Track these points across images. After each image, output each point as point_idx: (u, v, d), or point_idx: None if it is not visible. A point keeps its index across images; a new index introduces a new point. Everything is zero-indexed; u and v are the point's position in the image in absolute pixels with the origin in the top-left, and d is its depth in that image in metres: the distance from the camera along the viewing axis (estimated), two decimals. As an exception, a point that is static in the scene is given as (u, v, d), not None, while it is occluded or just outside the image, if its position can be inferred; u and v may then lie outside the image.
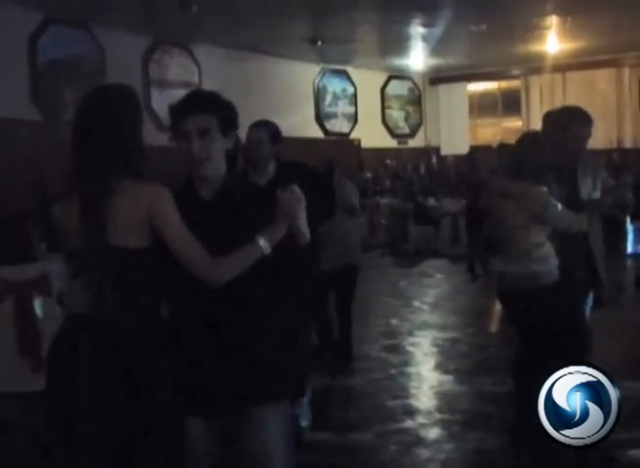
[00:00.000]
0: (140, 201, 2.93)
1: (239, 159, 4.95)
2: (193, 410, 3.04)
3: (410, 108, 23.70)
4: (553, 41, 17.41)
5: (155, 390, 2.91)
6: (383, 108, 23.00)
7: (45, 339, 7.04)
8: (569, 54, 18.77)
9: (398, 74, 22.79)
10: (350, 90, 21.79)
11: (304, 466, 5.20)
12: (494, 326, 9.29)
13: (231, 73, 16.67)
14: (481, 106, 23.78)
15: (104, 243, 2.91)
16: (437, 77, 23.21)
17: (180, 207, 2.97)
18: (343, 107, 21.65)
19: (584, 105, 5.36)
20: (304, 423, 5.71)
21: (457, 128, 23.08)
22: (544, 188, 4.71)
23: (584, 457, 4.44)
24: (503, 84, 23.35)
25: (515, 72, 22.15)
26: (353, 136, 21.76)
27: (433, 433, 5.77)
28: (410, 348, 8.38)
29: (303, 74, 20.16)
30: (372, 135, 21.88)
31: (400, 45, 18.23)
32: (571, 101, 18.18)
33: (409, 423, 5.98)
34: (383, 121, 23.00)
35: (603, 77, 20.81)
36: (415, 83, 23.60)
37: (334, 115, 21.40)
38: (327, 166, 7.72)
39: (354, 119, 21.93)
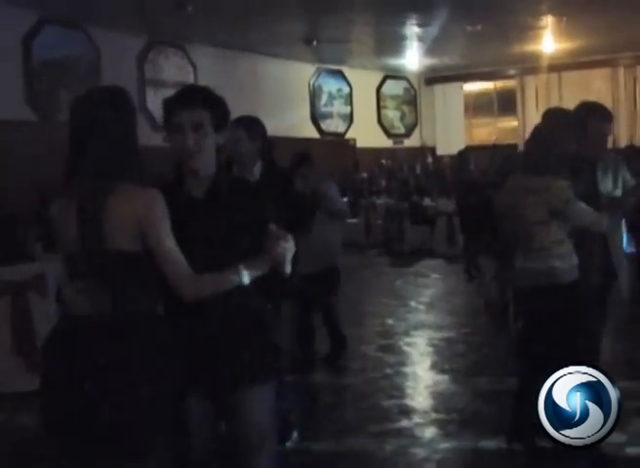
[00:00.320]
0: (133, 205, 2.95)
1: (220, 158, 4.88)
2: (192, 395, 3.17)
3: (405, 108, 23.71)
4: (549, 41, 17.42)
5: (154, 386, 2.95)
6: (379, 108, 23.01)
7: (40, 339, 7.04)
8: (564, 53, 18.79)
9: (394, 74, 22.80)
10: (346, 90, 21.80)
11: (301, 466, 5.22)
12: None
13: (227, 73, 16.65)
14: (477, 106, 23.80)
15: (101, 246, 2.94)
16: (433, 77, 23.22)
17: (171, 205, 3.00)
18: (339, 107, 21.66)
19: None
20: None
21: (452, 128, 23.09)
22: (566, 182, 4.60)
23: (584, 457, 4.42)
24: (499, 84, 23.37)
25: (511, 72, 22.19)
26: (349, 135, 21.77)
27: (429, 432, 5.76)
28: (406, 348, 8.38)
29: (299, 74, 20.17)
30: (367, 134, 21.88)
31: (395, 45, 18.24)
32: (566, 101, 18.23)
33: (405, 423, 5.97)
34: (379, 121, 23.01)
35: (598, 77, 20.86)
36: (410, 83, 23.61)
37: (329, 115, 21.40)
38: (298, 158, 7.37)
39: (350, 119, 21.93)
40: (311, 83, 20.81)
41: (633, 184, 5.11)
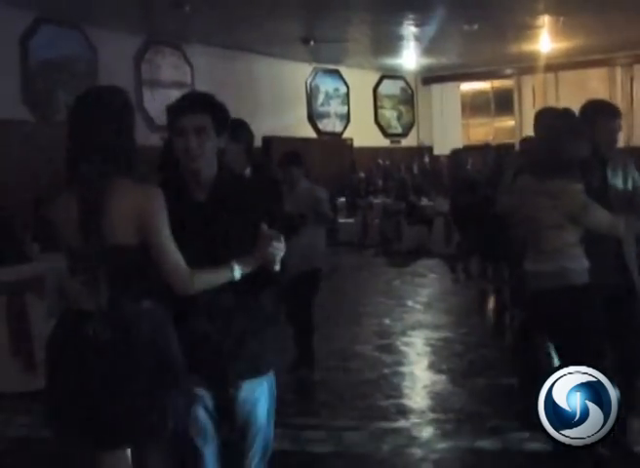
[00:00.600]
0: (133, 200, 3.04)
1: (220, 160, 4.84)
2: (199, 384, 3.32)
3: (402, 108, 23.72)
4: (546, 40, 17.43)
5: (160, 375, 3.07)
6: (376, 108, 23.02)
7: (37, 339, 7.03)
8: (561, 53, 18.80)
9: (391, 74, 22.80)
10: (343, 89, 21.81)
11: (298, 466, 5.22)
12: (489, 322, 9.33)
13: (224, 73, 16.66)
14: (474, 106, 23.81)
15: (101, 240, 3.01)
16: (430, 77, 23.23)
17: (173, 207, 3.09)
18: (336, 107, 21.67)
19: (577, 105, 5.18)
20: None
21: (449, 127, 23.10)
22: (581, 186, 4.47)
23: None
24: (496, 83, 23.39)
25: (508, 72, 22.19)
26: (346, 135, 21.77)
27: (426, 432, 5.76)
28: (403, 348, 8.38)
29: (296, 74, 20.17)
30: (364, 134, 21.89)
31: (392, 44, 18.25)
32: (563, 101, 18.18)
33: (402, 423, 5.97)
34: (376, 120, 23.02)
35: (595, 76, 20.87)
36: (407, 82, 23.62)
37: (326, 115, 21.41)
38: (288, 158, 7.24)
39: (347, 119, 21.94)
40: (308, 83, 20.82)
41: None
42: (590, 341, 4.43)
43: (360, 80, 22.08)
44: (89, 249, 3.02)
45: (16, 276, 7.19)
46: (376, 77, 22.80)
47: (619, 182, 4.92)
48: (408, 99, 23.85)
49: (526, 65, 20.69)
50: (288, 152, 7.51)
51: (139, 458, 3.24)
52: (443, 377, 7.16)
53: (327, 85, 21.40)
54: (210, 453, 3.40)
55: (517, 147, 9.15)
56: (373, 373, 7.35)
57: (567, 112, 5.14)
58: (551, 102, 19.68)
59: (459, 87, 23.51)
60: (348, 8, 14.18)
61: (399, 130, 23.70)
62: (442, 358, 7.85)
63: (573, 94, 19.44)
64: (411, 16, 15.06)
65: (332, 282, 11.37)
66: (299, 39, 16.84)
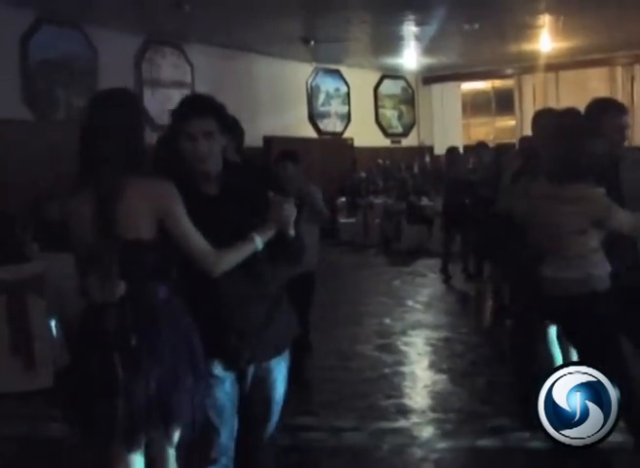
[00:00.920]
0: (148, 196, 3.22)
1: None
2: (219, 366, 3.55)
3: (403, 107, 23.72)
4: (546, 40, 17.43)
5: (181, 360, 3.26)
6: (377, 108, 23.02)
7: (37, 339, 7.03)
8: (562, 53, 18.80)
9: (391, 73, 22.80)
10: (343, 89, 21.80)
11: (298, 466, 5.21)
12: (486, 321, 9.32)
13: (224, 72, 16.66)
14: (474, 105, 23.81)
15: (118, 237, 3.18)
16: (430, 76, 23.22)
17: (186, 201, 3.29)
18: (336, 107, 21.66)
19: (577, 104, 5.13)
20: None
21: (450, 127, 23.07)
22: (602, 189, 4.37)
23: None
24: (497, 83, 23.40)
25: (508, 71, 22.18)
26: (346, 135, 21.77)
27: (427, 432, 5.74)
28: (403, 347, 8.37)
29: (296, 73, 20.17)
30: (365, 134, 21.89)
31: (393, 44, 18.24)
32: (564, 100, 18.23)
33: (402, 422, 5.96)
34: (377, 120, 23.02)
35: (596, 76, 20.86)
36: (408, 82, 23.61)
37: (327, 114, 21.41)
38: (283, 155, 7.13)
39: (347, 118, 21.94)
40: (309, 82, 20.82)
41: None
42: (615, 346, 4.39)
43: (361, 80, 22.08)
44: (106, 245, 3.17)
45: (16, 275, 7.18)
46: (376, 77, 22.79)
47: (631, 180, 4.85)
48: (408, 99, 23.84)
49: (526, 65, 20.69)
50: (284, 149, 7.50)
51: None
52: (443, 377, 7.15)
53: (327, 85, 21.40)
54: (227, 432, 3.60)
55: (517, 146, 9.10)
56: (373, 373, 7.34)
57: (575, 112, 5.08)
58: (552, 102, 19.69)
59: (459, 86, 23.51)
60: (349, 7, 14.18)
61: (400, 129, 23.69)
62: (442, 357, 7.84)
63: (573, 93, 19.47)
64: (411, 15, 15.05)
65: (332, 282, 11.38)
66: (299, 39, 16.84)
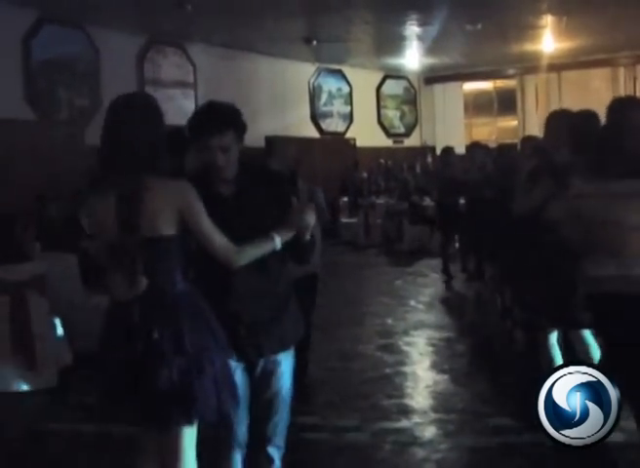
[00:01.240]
0: (169, 196, 3.34)
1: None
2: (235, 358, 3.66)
3: (405, 108, 23.72)
4: (549, 40, 17.43)
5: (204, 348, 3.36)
6: (379, 108, 23.03)
7: (38, 338, 7.04)
8: (564, 53, 18.79)
9: (393, 73, 22.81)
10: (346, 89, 21.81)
11: (301, 465, 5.20)
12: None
13: (226, 72, 16.67)
14: (476, 106, 23.82)
15: (140, 235, 3.29)
16: (432, 76, 23.22)
17: (204, 202, 3.40)
18: (339, 107, 21.68)
19: (580, 105, 5.15)
20: None
21: (452, 127, 23.07)
22: None
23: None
24: (499, 83, 23.40)
25: (511, 71, 22.19)
26: (349, 135, 21.78)
27: (428, 432, 5.74)
28: (405, 347, 8.36)
29: (299, 73, 20.18)
30: (367, 134, 21.90)
31: (395, 44, 18.25)
32: (566, 100, 18.24)
33: (404, 423, 5.95)
34: (379, 120, 23.03)
35: (598, 76, 20.85)
36: (410, 82, 23.61)
37: (329, 114, 21.42)
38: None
39: (350, 118, 21.95)
40: (311, 82, 20.83)
41: None
42: None
43: (363, 80, 22.09)
44: (130, 243, 3.29)
45: (17, 275, 7.19)
46: (379, 77, 22.80)
47: None
48: (411, 99, 23.85)
49: (529, 65, 20.69)
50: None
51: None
52: (445, 377, 7.15)
53: (330, 84, 21.41)
54: (240, 419, 3.72)
55: (518, 147, 9.02)
56: (375, 373, 7.34)
57: (592, 112, 5.06)
58: (554, 102, 19.69)
59: (461, 86, 23.52)
60: (351, 7, 14.19)
61: (402, 129, 23.70)
62: (444, 358, 7.84)
63: (576, 93, 19.48)
64: (414, 15, 15.06)
65: (333, 282, 11.38)
66: (301, 39, 16.86)
